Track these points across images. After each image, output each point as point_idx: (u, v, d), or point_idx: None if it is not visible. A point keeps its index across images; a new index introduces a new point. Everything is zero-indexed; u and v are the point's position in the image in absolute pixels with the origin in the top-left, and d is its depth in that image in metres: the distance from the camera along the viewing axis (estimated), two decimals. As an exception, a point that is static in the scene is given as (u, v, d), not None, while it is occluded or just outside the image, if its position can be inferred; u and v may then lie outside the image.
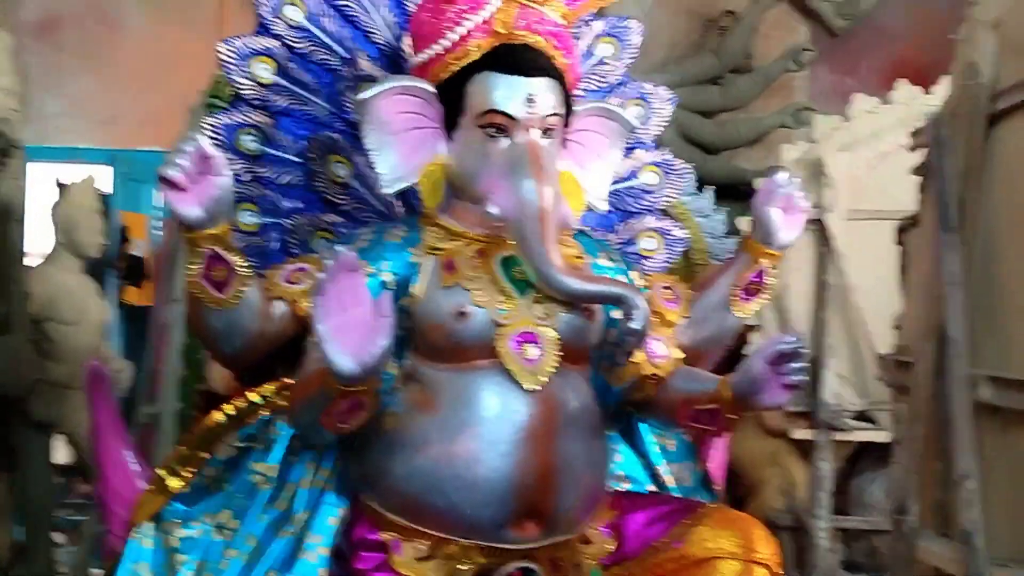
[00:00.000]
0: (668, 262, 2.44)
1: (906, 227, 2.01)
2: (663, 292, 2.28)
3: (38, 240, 4.85)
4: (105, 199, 5.22)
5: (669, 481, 2.31)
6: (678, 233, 2.42)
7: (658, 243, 2.42)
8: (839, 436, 3.15)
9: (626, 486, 2.28)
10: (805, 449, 3.20)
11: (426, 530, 2.00)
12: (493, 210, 2.00)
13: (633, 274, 2.25)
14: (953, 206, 1.57)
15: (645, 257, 2.40)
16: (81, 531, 5.24)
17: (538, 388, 1.99)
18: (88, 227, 4.58)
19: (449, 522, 1.98)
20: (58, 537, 4.89)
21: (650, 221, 2.40)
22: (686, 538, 2.08)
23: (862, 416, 3.23)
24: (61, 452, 4.82)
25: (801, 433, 3.19)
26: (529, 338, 2.00)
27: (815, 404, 3.11)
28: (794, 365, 1.93)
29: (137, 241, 5.94)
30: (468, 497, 1.96)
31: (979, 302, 1.57)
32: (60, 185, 4.82)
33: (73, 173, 4.97)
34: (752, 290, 2.22)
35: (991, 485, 1.51)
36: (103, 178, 5.39)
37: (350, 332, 1.80)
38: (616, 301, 2.04)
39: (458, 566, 2.00)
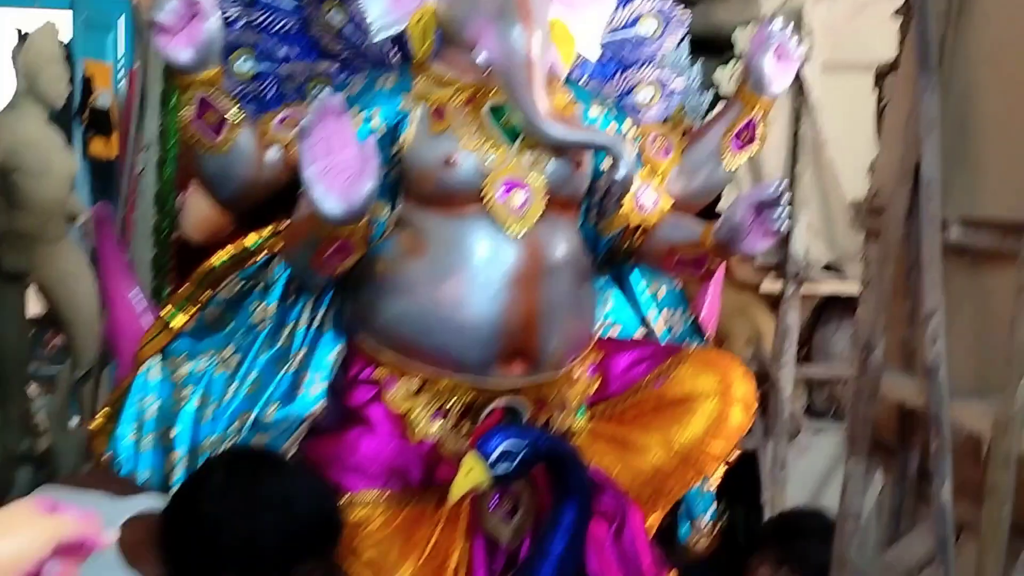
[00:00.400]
0: (665, 113, 2.44)
1: (885, 72, 2.02)
2: (656, 142, 2.29)
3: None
4: (67, 46, 5.08)
5: (659, 327, 2.37)
6: (676, 84, 2.41)
7: (655, 94, 2.41)
8: (806, 288, 3.20)
9: (615, 331, 2.34)
10: (773, 301, 3.26)
11: (417, 367, 2.05)
12: (481, 57, 1.99)
13: (626, 123, 2.26)
14: (934, 46, 1.57)
15: (641, 108, 2.39)
16: (56, 382, 5.29)
17: (524, 234, 2.02)
18: (51, 75, 4.46)
19: (439, 361, 2.04)
20: (32, 389, 4.94)
21: (648, 72, 2.39)
22: (668, 378, 2.16)
23: (830, 268, 3.28)
24: (33, 304, 4.81)
25: (769, 286, 3.24)
26: (516, 185, 2.02)
27: (784, 257, 3.15)
28: (776, 213, 1.97)
29: (102, 91, 5.81)
30: (457, 338, 2.02)
31: (953, 144, 1.59)
32: (20, 33, 4.69)
33: (31, 19, 4.82)
34: (744, 140, 2.24)
35: (955, 322, 1.55)
36: (62, 24, 5.23)
37: (336, 175, 1.83)
38: (601, 149, 2.05)
39: (446, 401, 2.07)
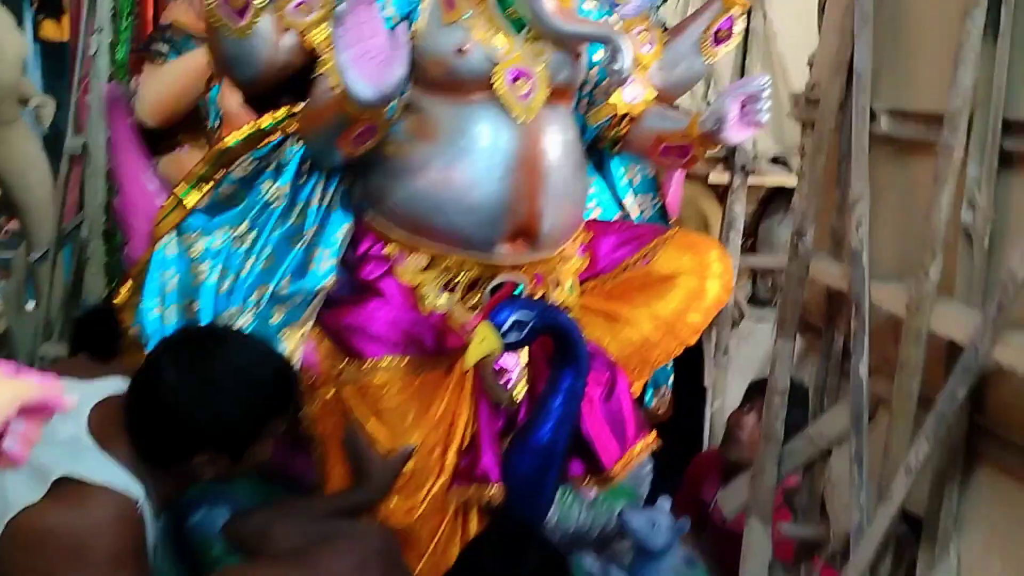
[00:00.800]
0: (645, 5, 2.48)
1: (818, -28, 2.06)
2: (639, 36, 2.36)
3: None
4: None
5: (633, 211, 2.50)
6: None
7: None
8: (753, 180, 3.28)
9: (597, 213, 2.46)
10: (721, 192, 3.34)
11: (426, 244, 2.16)
12: None
13: (613, 17, 2.32)
14: (871, -57, 1.62)
15: (620, 3, 2.44)
16: (11, 266, 5.29)
17: (529, 120, 2.10)
18: (-1, -45, 4.38)
19: (447, 239, 2.15)
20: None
21: None
22: (653, 257, 2.30)
23: (777, 161, 3.35)
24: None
25: (718, 177, 3.31)
26: (522, 74, 2.11)
27: (732, 150, 3.22)
28: (759, 105, 2.08)
29: (51, -29, 5.70)
30: (465, 217, 2.12)
31: (885, 39, 1.65)
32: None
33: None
34: (721, 36, 2.34)
35: (882, 210, 1.62)
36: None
37: (368, 61, 1.90)
38: (603, 42, 2.12)
39: (454, 276, 2.18)
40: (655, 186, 2.61)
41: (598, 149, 2.46)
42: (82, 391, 1.74)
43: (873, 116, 1.66)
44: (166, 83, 2.91)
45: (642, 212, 2.56)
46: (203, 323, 2.14)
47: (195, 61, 2.89)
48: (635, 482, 2.63)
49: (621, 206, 2.52)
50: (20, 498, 1.60)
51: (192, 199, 2.19)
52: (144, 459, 1.73)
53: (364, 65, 1.90)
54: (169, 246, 2.17)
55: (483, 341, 2.00)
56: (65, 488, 1.61)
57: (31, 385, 1.13)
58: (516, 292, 2.25)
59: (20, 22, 5.25)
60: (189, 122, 3.05)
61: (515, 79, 2.11)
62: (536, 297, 2.25)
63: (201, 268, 2.15)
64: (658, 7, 2.57)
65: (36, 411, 1.13)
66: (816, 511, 1.81)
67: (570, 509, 2.36)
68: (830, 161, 1.74)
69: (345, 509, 2.03)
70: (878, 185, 1.66)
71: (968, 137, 1.39)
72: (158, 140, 3.03)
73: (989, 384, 1.35)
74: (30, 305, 4.94)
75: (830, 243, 1.74)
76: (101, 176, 3.07)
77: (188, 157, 2.85)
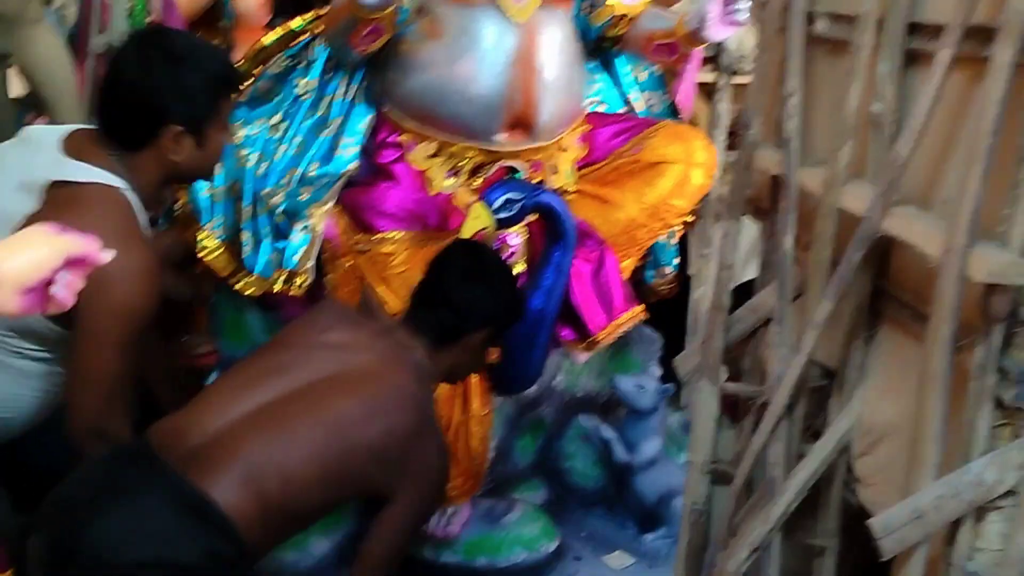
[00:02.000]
0: None
1: None
2: None
3: None
4: None
5: (639, 106, 2.74)
6: None
7: None
8: (738, 79, 3.45)
9: (602, 108, 2.69)
10: (708, 90, 3.52)
11: (434, 133, 2.41)
12: None
13: None
14: None
15: None
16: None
17: (525, 21, 2.32)
18: None
19: (452, 128, 2.42)
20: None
21: None
22: (642, 146, 2.55)
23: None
24: (15, 85, 4.97)
25: (704, 76, 3.48)
26: None
27: (719, 50, 3.38)
28: (739, 4, 2.27)
29: None
30: (467, 108, 2.39)
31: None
32: None
33: None
34: None
35: (819, 102, 1.82)
36: None
37: None
38: None
39: (459, 162, 2.44)
40: (663, 84, 2.82)
41: (603, 48, 2.68)
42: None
43: (814, 18, 1.85)
44: None
45: (649, 107, 2.79)
46: (244, 200, 2.40)
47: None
48: (644, 356, 2.91)
49: (627, 101, 2.74)
50: (18, 207, 1.88)
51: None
52: (120, 152, 1.97)
53: None
54: None
55: (477, 217, 2.26)
56: (57, 191, 1.89)
57: (74, 240, 1.36)
58: (515, 176, 2.50)
59: (42, -75, 5.39)
60: (205, 21, 3.24)
61: None
62: (534, 181, 2.50)
63: (242, 153, 2.44)
64: None
65: (78, 263, 1.36)
66: (759, 373, 2.04)
67: (578, 376, 2.65)
68: (775, 60, 1.94)
69: None
70: (816, 81, 1.86)
71: (880, 37, 1.59)
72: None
73: (888, 252, 1.57)
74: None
75: (772, 133, 1.95)
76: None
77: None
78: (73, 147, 1.98)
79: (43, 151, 1.97)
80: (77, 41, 5.23)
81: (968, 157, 1.28)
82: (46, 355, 2.01)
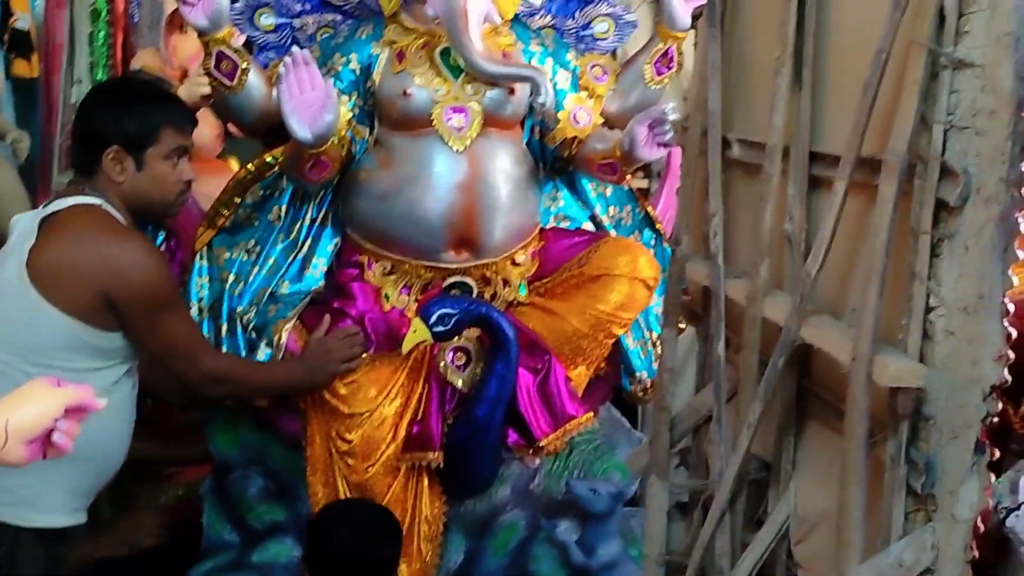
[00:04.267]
0: (618, 43, 2.92)
1: (696, 16, 2.45)
2: (593, 70, 2.78)
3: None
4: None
5: (606, 220, 2.91)
6: (629, 18, 2.86)
7: (610, 27, 2.87)
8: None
9: (565, 224, 2.87)
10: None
11: (387, 254, 2.61)
12: (429, 10, 2.49)
13: (570, 54, 2.73)
14: (717, 7, 2.01)
15: (599, 39, 2.86)
16: None
17: (465, 149, 2.52)
18: (-28, 2, 4.67)
19: (403, 248, 2.61)
20: None
21: (603, 7, 2.84)
22: (587, 260, 2.70)
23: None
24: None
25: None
26: (458, 110, 2.55)
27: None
28: (665, 128, 2.47)
29: (20, 14, 5.96)
30: (414, 230, 2.58)
31: (734, 82, 2.04)
32: (-64, -42, 4.84)
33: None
34: (663, 65, 2.73)
35: (740, 219, 2.00)
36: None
37: (306, 109, 2.35)
38: (524, 80, 2.54)
39: (411, 279, 2.63)
40: (631, 197, 2.99)
41: (566, 169, 2.88)
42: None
43: (729, 144, 2.06)
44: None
45: (620, 221, 2.94)
46: (222, 320, 2.63)
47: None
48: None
49: (592, 218, 2.93)
50: (20, 248, 2.07)
51: (219, 220, 2.66)
52: (83, 180, 2.17)
53: (303, 112, 2.33)
54: (202, 259, 2.67)
55: (415, 331, 2.42)
56: (46, 224, 2.09)
57: (70, 391, 1.49)
58: (467, 292, 2.66)
59: (-9, 62, 5.55)
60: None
61: (452, 114, 2.54)
62: (487, 295, 2.67)
63: (224, 275, 2.66)
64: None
65: (76, 411, 1.49)
66: (703, 467, 2.20)
67: (558, 479, 2.78)
68: (699, 180, 2.13)
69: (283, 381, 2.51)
70: (735, 199, 2.06)
71: (787, 164, 1.79)
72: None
73: (809, 355, 1.74)
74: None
75: (701, 247, 2.13)
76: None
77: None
78: (50, 200, 2.21)
79: (27, 217, 2.17)
80: (34, 174, 5.37)
81: (867, 274, 1.46)
82: (110, 366, 2.16)
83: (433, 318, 2.42)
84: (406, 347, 2.45)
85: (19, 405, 1.44)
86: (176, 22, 3.36)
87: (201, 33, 2.43)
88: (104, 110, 2.21)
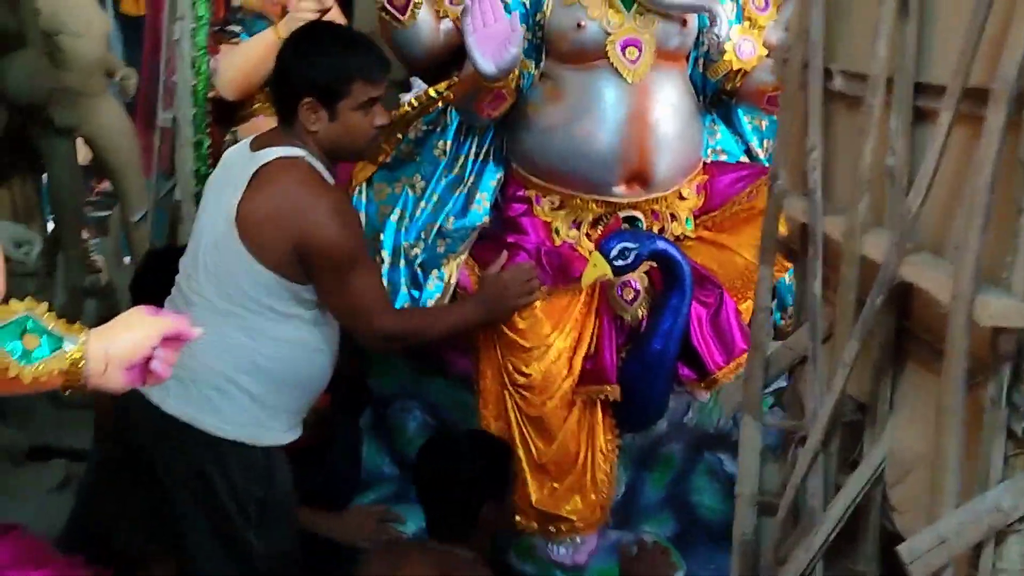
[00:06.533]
0: None
1: (797, -58, 2.36)
2: (755, 0, 2.72)
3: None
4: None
5: (761, 153, 2.89)
6: None
7: None
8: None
9: (723, 157, 2.86)
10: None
11: (556, 188, 2.62)
12: None
13: None
14: (821, -70, 1.93)
15: None
16: (108, 225, 5.78)
17: (639, 82, 2.50)
18: (83, -59, 4.77)
19: (573, 182, 2.64)
20: (85, 232, 5.43)
21: None
22: (757, 193, 2.68)
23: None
24: (81, 153, 5.24)
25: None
26: (632, 42, 2.54)
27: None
28: None
29: (127, -47, 6.09)
30: (586, 164, 2.61)
31: (837, 10, 1.96)
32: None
33: None
34: None
35: (840, 154, 1.94)
36: None
37: (490, 42, 2.39)
38: (700, 11, 2.51)
39: (581, 214, 2.63)
40: None
41: (724, 101, 2.85)
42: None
43: (831, 75, 1.98)
44: (241, 61, 3.29)
45: (771, 156, 2.91)
46: (384, 251, 2.74)
47: (265, 40, 3.26)
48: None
49: (748, 150, 2.91)
50: (233, 201, 2.23)
51: (379, 156, 2.72)
52: (286, 129, 2.30)
53: (487, 45, 2.34)
54: (362, 194, 2.70)
55: (595, 266, 2.45)
56: (255, 177, 2.24)
57: (168, 320, 1.53)
58: (637, 226, 2.66)
59: (102, 1, 5.68)
60: (262, 94, 3.44)
61: (625, 47, 2.52)
62: (655, 229, 2.67)
63: (385, 210, 2.68)
64: None
65: (173, 340, 1.53)
66: (798, 407, 2.16)
67: (709, 414, 2.80)
68: (798, 114, 2.07)
69: (460, 322, 2.55)
70: (838, 133, 1.99)
71: (891, 96, 1.72)
72: (236, 110, 3.43)
73: (909, 295, 1.69)
74: (127, 259, 5.43)
75: (799, 183, 2.07)
76: (190, 146, 3.49)
77: (264, 123, 3.25)
78: (257, 143, 2.33)
79: (238, 160, 2.31)
80: (137, 110, 5.52)
81: (970, 210, 1.40)
82: (311, 309, 2.32)
83: (614, 252, 2.45)
84: (586, 281, 2.48)
85: (118, 333, 1.49)
86: (277, -43, 3.38)
87: None
88: (298, 61, 2.30)
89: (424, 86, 3.43)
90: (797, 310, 2.17)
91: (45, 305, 1.44)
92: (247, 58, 3.30)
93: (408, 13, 2.50)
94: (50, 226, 4.97)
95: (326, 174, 2.32)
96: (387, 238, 2.70)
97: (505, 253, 2.62)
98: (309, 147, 2.28)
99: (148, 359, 1.49)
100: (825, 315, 1.95)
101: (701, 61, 2.75)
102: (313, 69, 2.26)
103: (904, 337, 1.74)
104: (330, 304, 2.31)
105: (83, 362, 1.42)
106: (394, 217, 2.70)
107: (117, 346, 1.45)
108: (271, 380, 2.28)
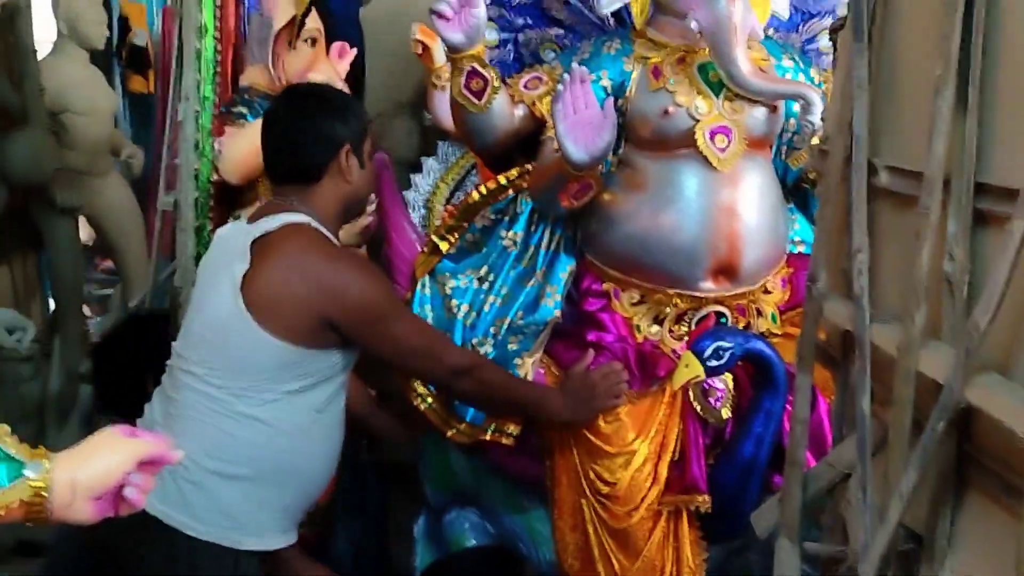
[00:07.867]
0: None
1: (836, 28, 2.25)
2: (828, 87, 2.61)
3: (40, 31, 4.98)
4: (104, -12, 5.30)
5: None
6: None
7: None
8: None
9: (801, 248, 2.72)
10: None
11: (636, 282, 2.46)
12: (693, 24, 2.36)
13: (812, 71, 2.57)
14: (864, 18, 1.80)
15: (824, 54, 2.69)
16: (109, 303, 5.66)
17: (728, 170, 2.36)
18: (91, 19, 4.72)
19: (656, 276, 2.48)
20: (86, 309, 5.30)
21: (827, 20, 2.68)
22: None
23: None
24: (84, 231, 5.14)
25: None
26: (721, 130, 2.40)
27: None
28: None
29: (138, 30, 6.04)
30: (671, 258, 2.45)
31: (883, 102, 1.82)
32: (57, -19, 4.91)
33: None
34: None
35: (886, 255, 1.79)
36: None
37: (582, 129, 2.27)
38: (795, 98, 2.38)
39: (663, 309, 2.47)
40: None
41: (802, 190, 2.72)
42: None
43: (875, 170, 1.84)
44: (246, 144, 3.18)
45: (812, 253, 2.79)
46: None
47: (272, 122, 3.14)
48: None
49: None
50: (237, 271, 2.13)
51: (444, 246, 2.55)
52: (301, 189, 2.26)
53: (578, 132, 2.21)
54: (426, 287, 2.57)
55: (687, 366, 2.28)
56: (258, 247, 2.17)
57: (145, 442, 1.37)
58: (721, 320, 2.51)
59: (110, 77, 5.61)
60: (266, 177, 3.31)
61: (714, 134, 2.39)
62: (740, 325, 2.50)
63: (451, 304, 2.53)
64: None
65: (150, 464, 1.37)
66: (839, 530, 1.98)
67: None
68: (839, 210, 1.92)
69: (536, 403, 2.41)
70: (881, 233, 1.84)
71: (948, 196, 1.56)
72: (239, 194, 3.31)
73: (972, 418, 1.52)
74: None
75: (841, 285, 1.92)
76: (191, 231, 3.36)
77: (268, 207, 3.12)
78: (256, 215, 2.26)
79: (234, 234, 2.23)
80: (146, 189, 5.43)
81: (1051, 331, 1.24)
82: (324, 382, 2.20)
83: (708, 351, 2.29)
84: (677, 383, 2.32)
85: (87, 458, 1.32)
86: (284, 38, 3.28)
87: (454, 50, 2.35)
88: (327, 114, 2.27)
89: (435, 166, 3.32)
90: (838, 422, 2.00)
91: (6, 427, 1.28)
92: (254, 141, 3.18)
93: (485, 98, 2.39)
94: (51, 302, 4.85)
95: (333, 238, 2.26)
96: (456, 335, 2.55)
97: (591, 352, 2.46)
98: (314, 212, 2.23)
99: (122, 486, 1.33)
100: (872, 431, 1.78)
101: (784, 149, 2.63)
102: (344, 116, 2.27)
103: (964, 462, 1.57)
104: (390, 359, 2.27)
105: (47, 492, 1.26)
106: (461, 312, 2.56)
107: (86, 473, 1.29)
108: (262, 474, 2.11)
